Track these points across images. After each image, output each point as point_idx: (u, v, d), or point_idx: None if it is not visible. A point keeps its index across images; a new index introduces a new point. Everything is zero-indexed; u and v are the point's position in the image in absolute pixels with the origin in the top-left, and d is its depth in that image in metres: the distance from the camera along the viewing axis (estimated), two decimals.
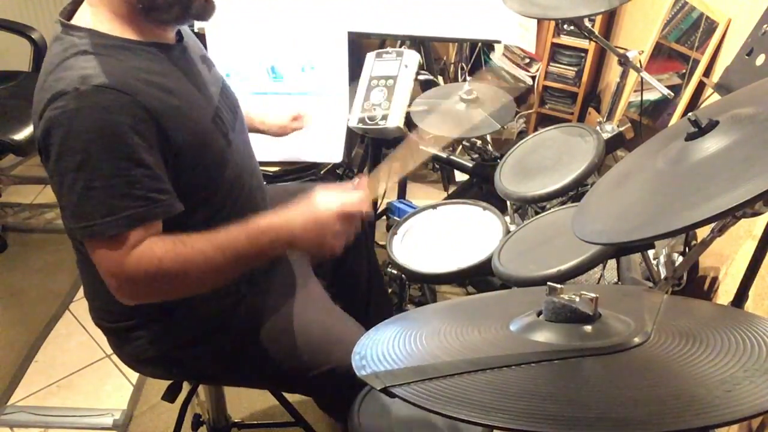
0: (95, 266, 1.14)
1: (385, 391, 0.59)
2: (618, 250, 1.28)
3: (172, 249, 1.02)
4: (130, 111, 0.97)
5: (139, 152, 0.98)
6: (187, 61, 1.15)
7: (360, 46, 2.58)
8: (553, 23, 2.84)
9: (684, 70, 1.99)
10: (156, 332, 1.22)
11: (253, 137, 1.35)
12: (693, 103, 1.92)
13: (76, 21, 1.05)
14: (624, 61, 1.49)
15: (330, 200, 1.12)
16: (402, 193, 2.36)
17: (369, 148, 2.12)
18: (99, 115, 0.96)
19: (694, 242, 1.26)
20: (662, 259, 1.25)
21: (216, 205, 1.15)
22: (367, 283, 1.68)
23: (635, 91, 2.21)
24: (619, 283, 1.47)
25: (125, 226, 0.99)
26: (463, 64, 3.05)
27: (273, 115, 1.60)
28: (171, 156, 1.04)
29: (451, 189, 2.83)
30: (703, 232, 0.89)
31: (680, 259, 1.20)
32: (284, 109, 1.62)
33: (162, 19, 1.07)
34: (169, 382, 1.40)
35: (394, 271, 1.96)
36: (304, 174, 1.92)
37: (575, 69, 2.95)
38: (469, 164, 1.73)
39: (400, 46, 2.35)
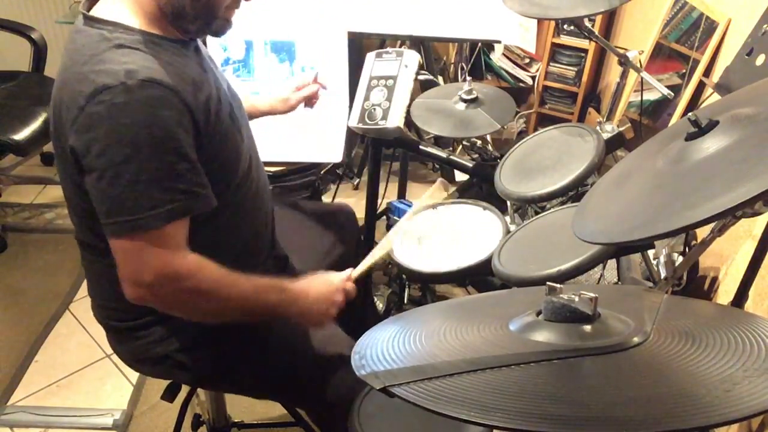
0: (99, 264, 1.13)
1: (385, 390, 0.59)
2: (618, 250, 1.28)
3: (219, 276, 1.08)
4: (175, 106, 0.99)
5: (184, 147, 1.00)
6: (201, 57, 1.16)
7: (360, 46, 2.58)
8: (553, 23, 2.84)
9: (684, 70, 1.99)
10: (160, 333, 1.22)
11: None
12: (693, 103, 1.92)
13: (97, 14, 1.04)
14: (624, 61, 1.48)
15: (333, 278, 1.25)
16: (402, 193, 2.36)
17: (369, 148, 2.12)
18: (148, 110, 0.96)
19: (694, 242, 1.26)
20: (662, 259, 1.24)
21: (226, 200, 1.15)
22: (362, 301, 1.68)
23: (635, 91, 2.21)
24: (619, 283, 1.47)
25: (167, 219, 1.00)
26: (463, 64, 3.05)
27: (275, 93, 1.60)
28: (200, 150, 1.06)
29: (451, 189, 2.83)
30: (703, 232, 0.89)
31: (680, 259, 1.20)
32: (286, 85, 1.62)
33: (184, 28, 1.09)
34: (169, 381, 1.40)
35: (394, 271, 1.96)
36: (304, 174, 1.92)
37: (575, 69, 2.95)
38: (469, 164, 1.72)
39: (400, 46, 2.35)
